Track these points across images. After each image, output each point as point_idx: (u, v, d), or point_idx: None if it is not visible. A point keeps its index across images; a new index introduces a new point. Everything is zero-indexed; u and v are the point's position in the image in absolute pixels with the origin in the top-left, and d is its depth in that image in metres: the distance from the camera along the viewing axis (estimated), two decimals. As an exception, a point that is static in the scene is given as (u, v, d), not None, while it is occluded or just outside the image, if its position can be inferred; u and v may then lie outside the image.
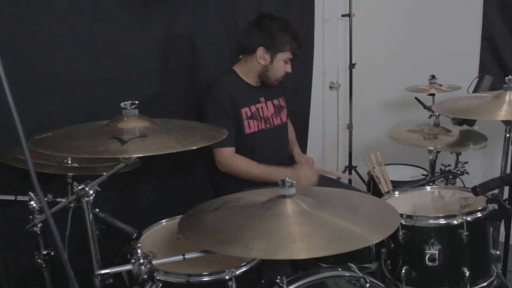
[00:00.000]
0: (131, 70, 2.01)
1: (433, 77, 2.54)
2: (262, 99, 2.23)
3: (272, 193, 1.29)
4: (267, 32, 2.07)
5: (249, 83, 2.19)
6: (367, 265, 1.75)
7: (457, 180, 2.20)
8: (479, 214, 1.52)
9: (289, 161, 2.36)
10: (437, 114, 2.17)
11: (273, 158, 2.19)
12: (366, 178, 2.54)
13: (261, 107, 2.21)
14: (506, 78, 1.71)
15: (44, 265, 1.48)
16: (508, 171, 1.92)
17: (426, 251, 1.50)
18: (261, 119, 2.19)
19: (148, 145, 1.14)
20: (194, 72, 2.28)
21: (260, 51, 2.10)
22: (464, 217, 1.49)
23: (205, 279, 1.29)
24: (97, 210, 1.22)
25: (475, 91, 2.43)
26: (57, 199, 1.47)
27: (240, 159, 2.10)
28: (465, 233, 1.48)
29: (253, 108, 2.17)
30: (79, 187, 1.16)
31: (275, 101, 2.28)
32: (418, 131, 2.17)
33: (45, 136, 1.23)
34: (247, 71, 2.17)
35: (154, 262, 1.19)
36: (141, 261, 1.16)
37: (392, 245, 1.61)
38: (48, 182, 1.59)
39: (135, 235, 1.28)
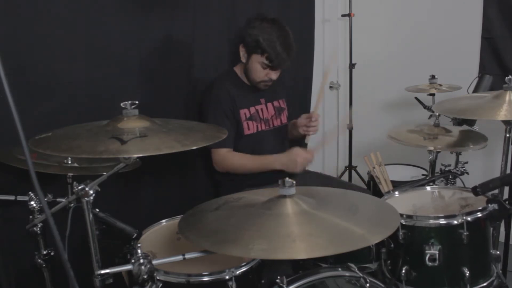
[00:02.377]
0: (131, 70, 2.01)
1: (433, 77, 2.54)
2: (262, 100, 2.23)
3: (272, 193, 1.29)
4: (250, 31, 2.06)
5: (248, 84, 2.19)
6: (367, 265, 1.75)
7: (457, 180, 2.20)
8: (479, 214, 1.52)
9: None
10: (437, 114, 2.17)
11: None
12: (366, 178, 2.53)
13: (261, 109, 2.21)
14: (506, 78, 1.71)
15: (44, 265, 1.48)
16: (508, 171, 1.92)
17: (426, 251, 1.50)
18: (260, 120, 2.19)
19: (148, 145, 1.14)
20: (194, 72, 2.28)
21: (241, 48, 2.11)
22: (464, 217, 1.49)
23: (205, 279, 1.29)
24: (97, 210, 1.22)
25: (475, 91, 2.43)
26: (57, 199, 1.47)
27: (233, 155, 2.10)
28: (465, 233, 1.48)
29: (252, 109, 2.17)
30: (79, 187, 1.16)
31: (276, 103, 2.28)
32: (418, 132, 2.17)
33: (45, 136, 1.23)
34: (243, 71, 2.18)
35: (154, 262, 1.19)
36: (141, 261, 1.16)
37: (392, 245, 1.61)
38: (48, 182, 1.59)
39: (135, 235, 1.28)
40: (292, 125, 2.35)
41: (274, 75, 2.11)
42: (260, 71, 2.08)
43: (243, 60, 2.12)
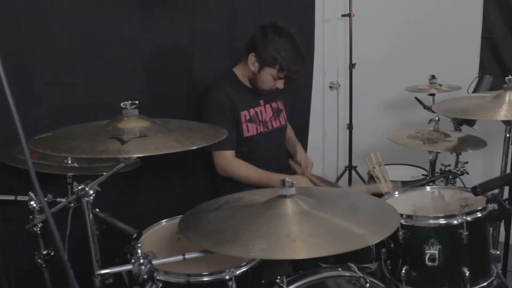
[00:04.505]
0: (131, 70, 2.01)
1: (433, 77, 2.55)
2: (261, 102, 2.22)
3: (272, 193, 1.29)
4: (264, 42, 2.02)
5: (248, 86, 2.17)
6: (367, 265, 1.75)
7: (457, 180, 2.20)
8: (479, 214, 1.52)
9: (288, 163, 2.34)
10: (436, 119, 2.18)
11: (271, 161, 2.18)
12: (366, 178, 2.53)
13: (260, 110, 2.20)
14: (506, 78, 1.71)
15: (44, 265, 1.48)
16: (508, 171, 1.92)
17: (426, 251, 1.50)
18: (259, 122, 2.18)
19: (148, 145, 1.14)
20: (194, 72, 2.28)
21: (252, 57, 2.07)
22: (464, 217, 1.49)
23: (205, 279, 1.29)
24: (97, 210, 1.22)
25: (475, 91, 2.44)
26: (57, 199, 1.48)
27: (240, 163, 2.09)
28: (465, 233, 1.48)
29: (252, 111, 2.16)
30: (79, 187, 1.16)
31: (274, 104, 2.28)
32: (417, 137, 2.17)
33: (45, 136, 1.23)
34: (244, 74, 2.16)
35: (154, 262, 1.19)
36: (141, 261, 1.16)
37: (392, 245, 1.61)
38: (48, 182, 1.59)
39: (135, 235, 1.28)
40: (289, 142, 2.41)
41: (281, 85, 2.13)
42: (271, 81, 2.09)
43: (252, 68, 2.08)
